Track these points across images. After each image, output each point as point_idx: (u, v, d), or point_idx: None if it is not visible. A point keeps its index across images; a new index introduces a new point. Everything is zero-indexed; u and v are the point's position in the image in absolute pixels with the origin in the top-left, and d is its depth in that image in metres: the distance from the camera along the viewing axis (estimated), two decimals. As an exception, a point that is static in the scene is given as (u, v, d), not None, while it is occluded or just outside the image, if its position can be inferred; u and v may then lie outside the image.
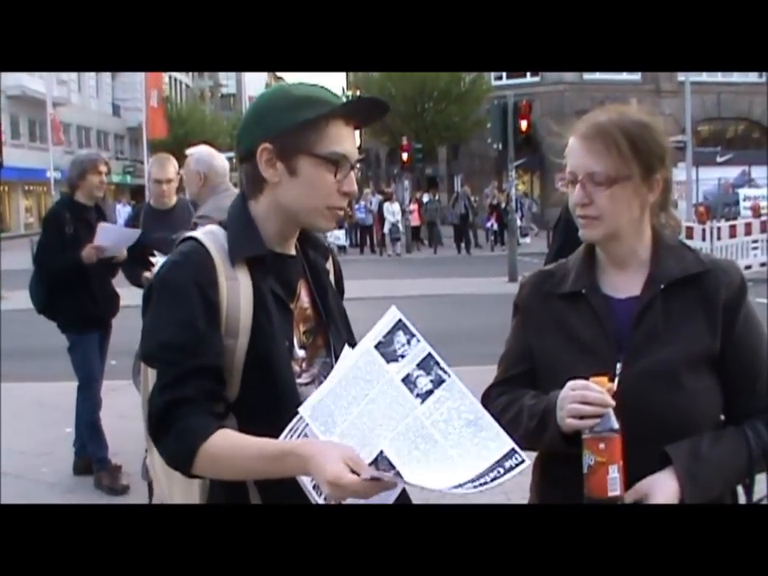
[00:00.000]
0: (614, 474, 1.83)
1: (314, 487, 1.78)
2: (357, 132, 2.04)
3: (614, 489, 1.83)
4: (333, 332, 2.09)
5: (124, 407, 6.63)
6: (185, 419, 1.80)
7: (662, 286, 2.03)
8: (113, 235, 6.03)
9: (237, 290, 1.91)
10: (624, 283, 2.09)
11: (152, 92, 39.85)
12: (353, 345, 2.15)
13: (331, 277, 2.20)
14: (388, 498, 1.78)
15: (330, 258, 2.22)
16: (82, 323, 6.07)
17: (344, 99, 1.98)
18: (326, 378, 1.99)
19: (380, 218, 30.79)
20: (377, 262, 24.82)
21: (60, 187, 6.85)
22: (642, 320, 2.02)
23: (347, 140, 1.95)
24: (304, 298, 2.07)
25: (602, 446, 1.83)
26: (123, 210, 38.99)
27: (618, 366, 2.00)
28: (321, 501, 1.79)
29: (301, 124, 1.90)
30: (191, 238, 1.97)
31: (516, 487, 2.19)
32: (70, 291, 5.97)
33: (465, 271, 20.86)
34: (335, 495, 1.65)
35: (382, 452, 1.70)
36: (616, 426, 1.84)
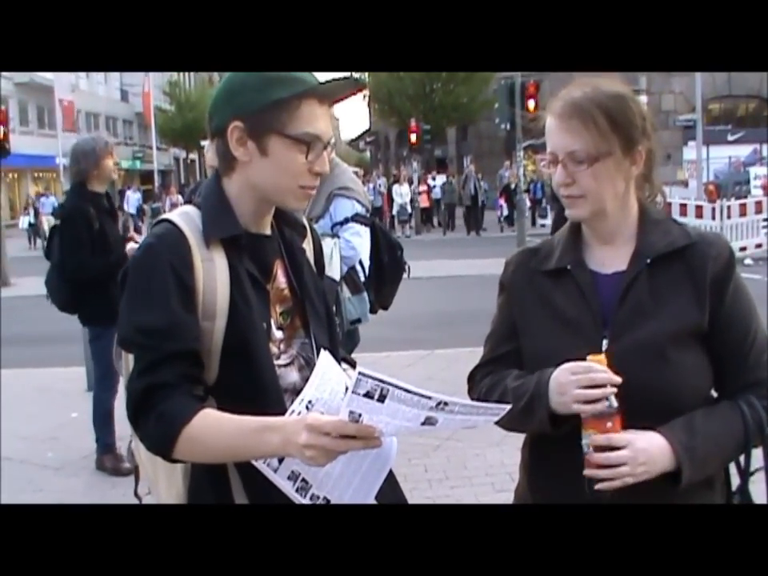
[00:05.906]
0: None
1: (296, 490, 1.74)
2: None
3: None
4: (310, 312, 2.05)
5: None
6: (164, 403, 1.77)
7: (648, 261, 1.99)
8: None
9: (213, 272, 1.88)
10: (610, 258, 2.05)
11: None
12: (331, 323, 2.11)
13: (310, 255, 2.16)
14: (377, 466, 1.80)
15: (309, 236, 2.18)
16: (109, 318, 5.79)
17: (318, 78, 1.92)
18: (304, 358, 1.98)
19: (389, 199, 30.72)
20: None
21: (70, 176, 6.47)
22: (627, 295, 1.98)
23: (320, 120, 1.91)
24: (280, 278, 2.04)
25: (609, 424, 1.82)
26: (133, 197, 39.18)
27: (605, 342, 1.96)
28: (304, 501, 1.76)
29: (273, 103, 1.86)
30: (165, 219, 1.94)
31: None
32: (100, 288, 5.69)
33: (474, 252, 20.73)
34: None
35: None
36: (616, 403, 1.83)
